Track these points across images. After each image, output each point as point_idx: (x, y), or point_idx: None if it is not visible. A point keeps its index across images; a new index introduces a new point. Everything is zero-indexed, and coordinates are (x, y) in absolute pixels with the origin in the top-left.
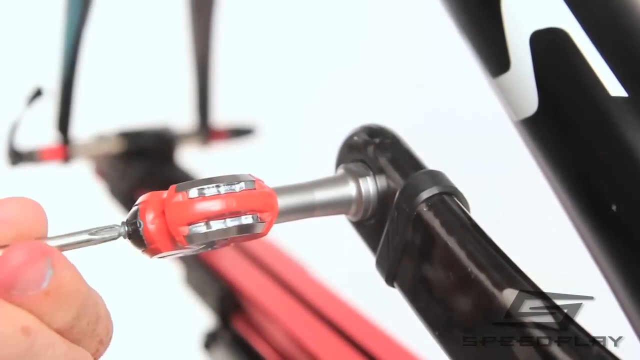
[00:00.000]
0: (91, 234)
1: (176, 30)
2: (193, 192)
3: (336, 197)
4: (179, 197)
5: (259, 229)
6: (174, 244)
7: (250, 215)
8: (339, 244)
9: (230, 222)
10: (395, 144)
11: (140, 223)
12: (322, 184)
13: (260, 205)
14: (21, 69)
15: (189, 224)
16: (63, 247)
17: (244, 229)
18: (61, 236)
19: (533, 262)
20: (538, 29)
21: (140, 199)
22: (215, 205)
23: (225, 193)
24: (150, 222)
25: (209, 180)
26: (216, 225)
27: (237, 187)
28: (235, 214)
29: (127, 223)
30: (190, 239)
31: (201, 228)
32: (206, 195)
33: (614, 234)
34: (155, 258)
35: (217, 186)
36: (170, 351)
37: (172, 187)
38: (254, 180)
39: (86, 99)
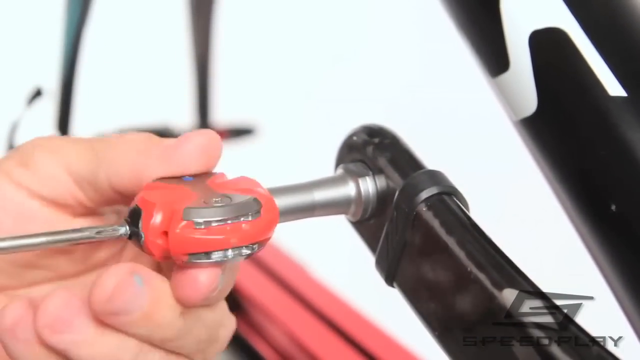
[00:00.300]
0: (96, 231)
1: (176, 30)
2: (199, 223)
3: (335, 197)
4: (184, 225)
5: (259, 250)
6: (174, 262)
7: (251, 245)
8: (338, 244)
9: (231, 253)
10: (394, 143)
11: (141, 235)
12: (321, 184)
13: (263, 236)
14: (21, 69)
15: (191, 253)
16: (69, 244)
17: (244, 256)
18: (67, 231)
19: (533, 262)
20: (537, 28)
21: (139, 196)
22: (218, 242)
23: (232, 224)
24: (151, 239)
25: (217, 212)
26: (217, 256)
27: (243, 218)
28: (238, 245)
29: (128, 223)
30: (190, 265)
31: (202, 258)
32: (212, 227)
33: (613, 234)
34: None
35: (225, 219)
36: None
37: (180, 209)
38: (260, 207)
39: (86, 98)
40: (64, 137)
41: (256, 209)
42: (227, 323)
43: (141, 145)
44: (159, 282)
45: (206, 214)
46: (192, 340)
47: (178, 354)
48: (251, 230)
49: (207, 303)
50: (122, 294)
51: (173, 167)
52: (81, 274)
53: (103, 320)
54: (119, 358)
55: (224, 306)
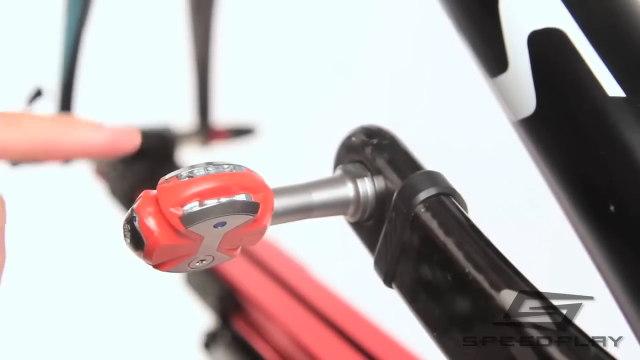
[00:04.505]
0: None
1: (176, 30)
2: (183, 175)
3: (334, 198)
4: (170, 181)
5: (255, 209)
6: (173, 231)
7: (243, 194)
8: (338, 244)
9: (224, 199)
10: (393, 144)
11: (135, 217)
12: (319, 185)
13: (251, 183)
14: (21, 69)
15: (182, 205)
16: None
17: (239, 208)
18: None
19: (531, 263)
20: (536, 29)
21: (137, 201)
22: (205, 183)
23: (216, 173)
24: (145, 213)
25: (199, 166)
26: (210, 202)
27: (227, 168)
28: (228, 191)
29: (125, 222)
30: (186, 219)
31: (195, 206)
32: (196, 175)
33: (612, 235)
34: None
35: (206, 168)
36: (171, 351)
37: (162, 178)
38: (243, 166)
39: (86, 99)
40: None
41: (238, 164)
42: None
43: None
44: None
45: (188, 168)
46: None
47: None
48: (236, 175)
49: None
50: None
51: None
52: None
53: None
54: None
55: None
